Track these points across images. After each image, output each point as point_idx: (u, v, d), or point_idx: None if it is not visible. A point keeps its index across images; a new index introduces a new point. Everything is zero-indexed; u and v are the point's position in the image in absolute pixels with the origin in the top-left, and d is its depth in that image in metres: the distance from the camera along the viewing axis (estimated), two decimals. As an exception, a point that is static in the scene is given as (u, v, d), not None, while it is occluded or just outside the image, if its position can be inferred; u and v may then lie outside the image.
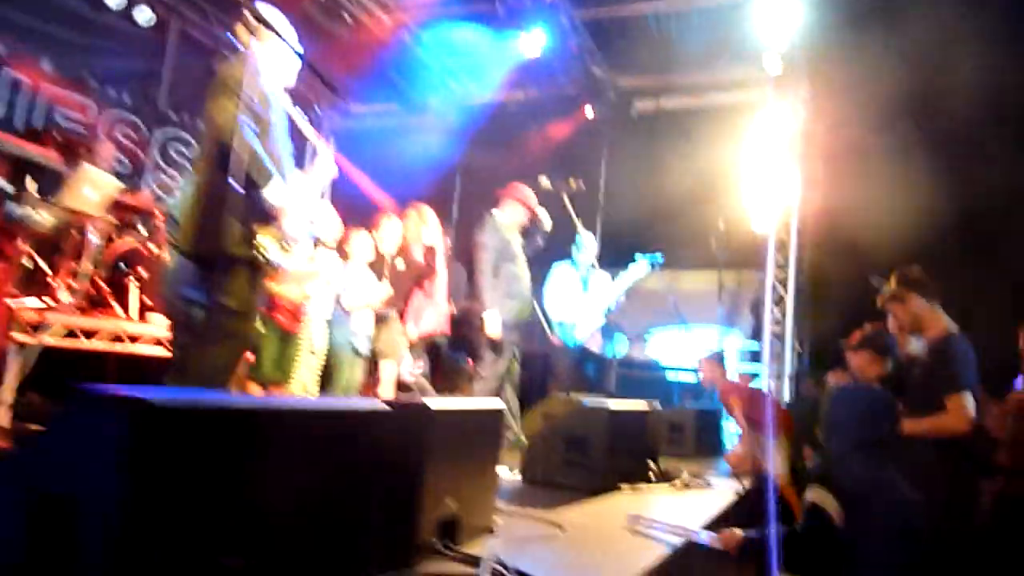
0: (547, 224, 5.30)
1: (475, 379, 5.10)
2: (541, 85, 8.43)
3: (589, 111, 8.22)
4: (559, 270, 6.51)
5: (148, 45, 7.88)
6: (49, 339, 4.25)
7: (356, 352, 5.00)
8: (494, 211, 5.33)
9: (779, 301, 7.55)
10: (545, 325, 5.91)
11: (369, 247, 5.06)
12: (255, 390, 4.33)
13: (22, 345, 4.17)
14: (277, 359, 4.39)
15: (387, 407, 1.81)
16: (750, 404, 4.81)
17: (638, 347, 8.43)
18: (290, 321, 4.43)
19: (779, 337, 7.50)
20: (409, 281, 5.53)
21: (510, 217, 5.29)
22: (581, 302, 6.65)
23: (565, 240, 5.79)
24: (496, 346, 5.03)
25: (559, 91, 8.35)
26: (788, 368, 7.44)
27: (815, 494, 2.62)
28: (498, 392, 5.05)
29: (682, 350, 7.76)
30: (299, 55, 3.25)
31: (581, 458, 3.45)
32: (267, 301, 4.31)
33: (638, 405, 4.07)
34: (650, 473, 3.88)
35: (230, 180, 2.85)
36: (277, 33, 2.91)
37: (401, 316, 5.80)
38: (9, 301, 3.76)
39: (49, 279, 4.19)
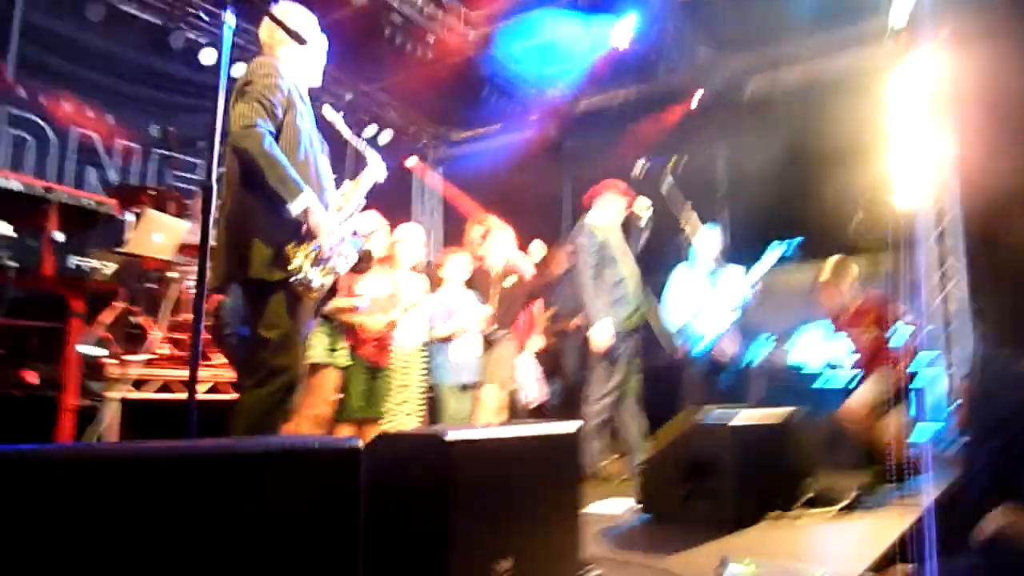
0: (645, 214, 4.70)
1: (586, 400, 4.51)
2: (641, 77, 7.84)
3: (696, 99, 7.52)
4: (678, 271, 5.89)
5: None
6: (135, 394, 4.15)
7: (459, 383, 4.59)
8: (587, 215, 4.82)
9: (942, 278, 6.49)
10: (666, 332, 5.27)
11: (463, 267, 4.68)
12: (345, 431, 4.01)
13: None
14: (366, 395, 4.05)
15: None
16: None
17: (784, 350, 7.54)
18: (376, 353, 4.08)
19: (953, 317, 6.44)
20: (522, 298, 5.09)
21: (605, 216, 4.76)
22: (706, 303, 5.97)
23: (677, 235, 5.17)
24: (608, 359, 4.47)
25: (661, 81, 7.73)
26: (970, 352, 6.34)
27: (1007, 515, 1.90)
28: (615, 412, 4.47)
29: (833, 349, 6.81)
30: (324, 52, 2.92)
31: (705, 486, 2.82)
32: (352, 334, 4.00)
33: (774, 415, 3.39)
34: (803, 497, 3.19)
35: (253, 195, 2.54)
36: (292, 33, 2.56)
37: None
38: (89, 354, 3.65)
39: (145, 329, 4.11)
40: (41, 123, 6.43)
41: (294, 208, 2.50)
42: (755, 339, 6.53)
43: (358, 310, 3.88)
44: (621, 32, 6.75)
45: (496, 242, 4.99)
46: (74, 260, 3.27)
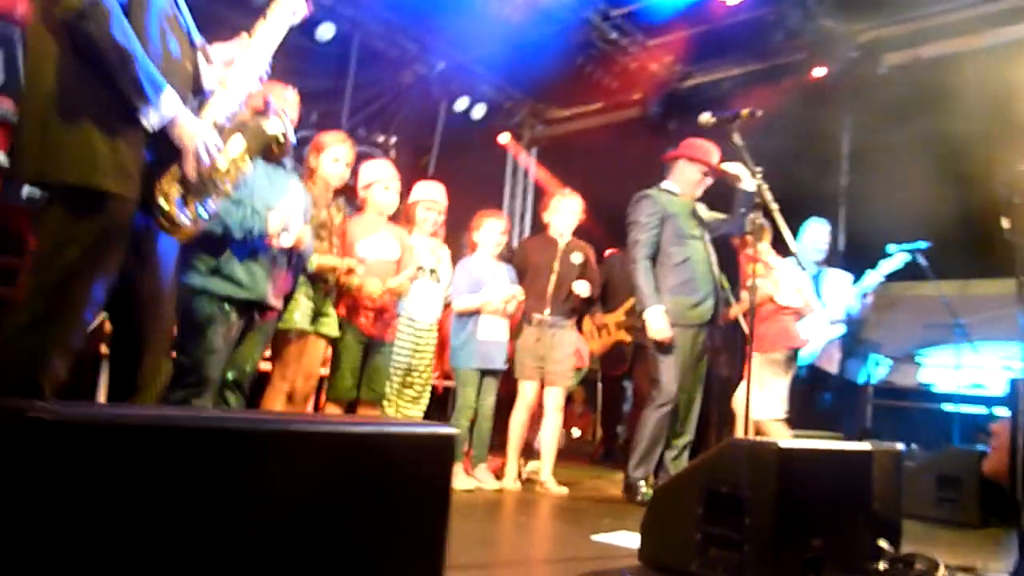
0: (748, 182, 3.72)
1: (650, 403, 3.76)
2: (755, 50, 6.88)
3: (820, 72, 6.48)
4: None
5: (330, 61, 7.70)
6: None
7: (484, 369, 3.96)
8: (661, 184, 4.05)
9: None
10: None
11: (497, 232, 4.03)
12: (332, 411, 3.47)
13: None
14: (362, 373, 3.49)
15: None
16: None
17: (906, 371, 6.40)
18: (375, 325, 3.52)
19: None
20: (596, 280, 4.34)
21: (682, 185, 3.99)
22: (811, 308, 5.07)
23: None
24: (664, 350, 3.73)
25: (781, 54, 6.74)
26: None
27: None
28: (674, 418, 3.75)
29: (967, 375, 5.66)
30: None
31: (729, 531, 2.05)
32: (346, 299, 3.45)
33: (854, 445, 2.54)
34: (876, 562, 2.34)
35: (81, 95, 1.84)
36: None
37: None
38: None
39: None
40: None
41: (152, 117, 1.90)
42: (866, 357, 5.51)
43: (353, 272, 3.31)
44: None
45: (563, 208, 4.26)
46: (27, 190, 2.89)
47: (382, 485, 1.26)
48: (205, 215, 2.09)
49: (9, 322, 1.82)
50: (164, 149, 1.94)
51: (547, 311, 4.05)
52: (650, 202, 3.87)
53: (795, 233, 4.89)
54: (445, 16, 7.21)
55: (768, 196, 3.35)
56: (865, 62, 6.42)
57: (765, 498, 2.02)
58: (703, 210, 4.06)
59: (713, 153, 3.98)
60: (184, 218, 2.00)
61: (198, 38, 2.20)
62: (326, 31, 7.23)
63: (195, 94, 2.15)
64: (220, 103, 2.14)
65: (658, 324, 3.69)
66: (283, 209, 2.75)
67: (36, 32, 1.87)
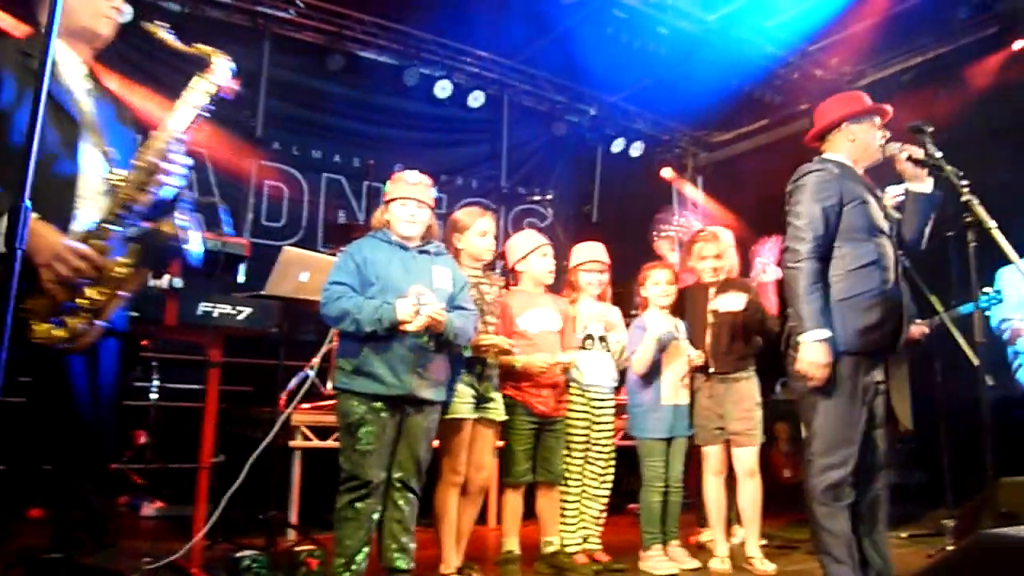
0: (925, 183, 2.82)
1: (808, 465, 2.75)
2: (938, 34, 6.13)
3: (1019, 45, 5.63)
4: (1008, 273, 4.28)
5: (484, 127, 7.85)
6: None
7: (665, 437, 3.66)
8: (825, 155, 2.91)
9: None
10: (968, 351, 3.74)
11: (663, 284, 3.74)
12: (511, 498, 3.32)
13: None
14: (536, 454, 3.33)
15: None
16: None
17: None
18: (547, 402, 3.35)
19: None
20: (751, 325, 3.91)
21: (857, 155, 2.86)
22: None
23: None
24: (835, 394, 2.67)
25: (968, 32, 5.94)
26: None
27: None
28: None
29: None
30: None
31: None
32: (511, 378, 3.33)
33: None
34: None
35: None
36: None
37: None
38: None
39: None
40: (294, 172, 6.81)
41: None
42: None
43: (507, 351, 3.18)
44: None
45: (706, 251, 3.85)
46: (203, 307, 3.05)
47: None
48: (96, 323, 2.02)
49: None
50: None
51: (711, 367, 3.69)
52: (820, 180, 2.72)
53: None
54: (590, 62, 7.12)
55: (982, 212, 2.70)
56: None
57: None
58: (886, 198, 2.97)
59: (886, 109, 2.92)
60: (60, 331, 1.95)
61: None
62: (476, 99, 7.40)
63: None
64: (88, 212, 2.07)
65: (814, 355, 2.61)
66: (413, 294, 2.68)
67: None
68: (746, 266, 4.02)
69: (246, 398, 4.92)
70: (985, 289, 4.05)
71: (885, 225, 2.82)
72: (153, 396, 5.07)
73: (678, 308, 3.82)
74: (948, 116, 5.43)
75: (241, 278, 4.34)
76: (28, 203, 1.30)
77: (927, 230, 2.88)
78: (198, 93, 2.17)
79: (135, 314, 2.87)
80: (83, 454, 2.17)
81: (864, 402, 2.70)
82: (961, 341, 3.95)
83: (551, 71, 7.66)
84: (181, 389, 5.17)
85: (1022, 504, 3.39)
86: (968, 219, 2.74)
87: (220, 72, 2.21)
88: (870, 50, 6.56)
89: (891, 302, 2.74)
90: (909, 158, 2.79)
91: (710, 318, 3.73)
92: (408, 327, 2.64)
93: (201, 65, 2.25)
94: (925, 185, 2.83)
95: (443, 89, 7.22)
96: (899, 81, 6.56)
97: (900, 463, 4.62)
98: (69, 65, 2.20)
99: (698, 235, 3.99)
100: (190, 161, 2.16)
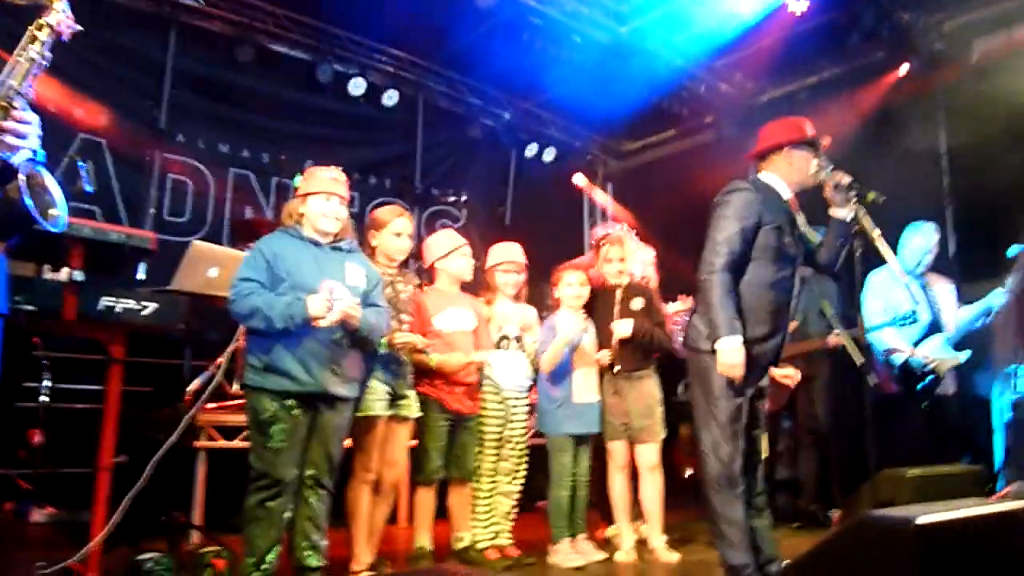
0: (845, 210, 3.02)
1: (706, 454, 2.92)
2: (832, 56, 6.53)
3: (904, 69, 6.07)
4: (878, 277, 4.66)
5: (398, 127, 7.81)
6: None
7: (575, 434, 3.75)
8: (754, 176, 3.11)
9: None
10: (863, 355, 4.00)
11: (576, 286, 3.84)
12: (424, 495, 3.34)
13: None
14: (449, 451, 3.37)
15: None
16: None
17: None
18: (461, 400, 3.40)
19: None
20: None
21: (789, 179, 3.04)
22: (927, 322, 4.66)
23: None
24: (734, 390, 2.85)
25: (859, 56, 6.36)
26: None
27: None
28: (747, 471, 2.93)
29: None
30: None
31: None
32: (426, 377, 3.35)
33: (1010, 505, 2.21)
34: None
35: None
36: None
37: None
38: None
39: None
40: (200, 166, 6.58)
41: None
42: (998, 368, 4.97)
43: (429, 348, 3.21)
44: (795, -1, 5.57)
45: (611, 255, 3.99)
46: (105, 301, 2.94)
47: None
48: None
49: None
50: None
51: (617, 365, 3.81)
52: (745, 198, 2.91)
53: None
54: (505, 66, 7.21)
55: (868, 223, 2.93)
56: (952, 52, 5.97)
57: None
58: (803, 223, 3.14)
59: (814, 134, 3.11)
60: None
61: None
62: (390, 98, 7.36)
63: None
64: None
65: (730, 356, 2.78)
66: (326, 289, 2.66)
67: None
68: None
69: (145, 399, 4.73)
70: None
71: (793, 251, 3.02)
72: (43, 398, 4.80)
73: (586, 309, 3.94)
74: (839, 133, 5.79)
75: (141, 275, 4.18)
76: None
77: (842, 252, 3.10)
78: (36, 43, 1.89)
79: (31, 307, 2.76)
80: None
81: (747, 405, 2.92)
82: (848, 343, 4.22)
83: (467, 73, 7.71)
84: (73, 390, 4.92)
85: (902, 494, 3.66)
86: (855, 228, 2.95)
87: (57, 14, 1.92)
88: (770, 68, 6.90)
89: (779, 320, 2.98)
90: (837, 186, 2.99)
91: (616, 316, 3.85)
92: (321, 323, 2.62)
93: (39, 10, 1.94)
94: (846, 212, 3.03)
95: (357, 87, 7.13)
96: (796, 98, 6.94)
97: (792, 459, 4.89)
98: None
99: (604, 238, 4.12)
100: (35, 118, 1.88)
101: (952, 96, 5.91)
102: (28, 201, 1.81)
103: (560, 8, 6.25)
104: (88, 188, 3.32)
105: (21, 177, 1.81)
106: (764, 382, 3.05)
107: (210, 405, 3.93)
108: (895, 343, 4.64)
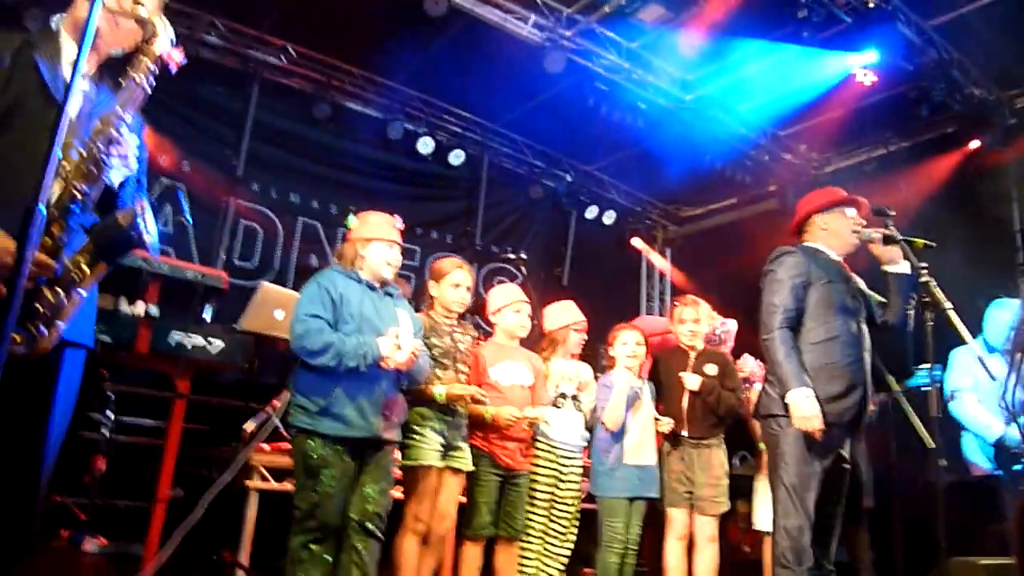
0: (902, 264, 3.00)
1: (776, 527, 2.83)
2: (900, 129, 6.48)
3: (975, 144, 5.98)
4: (962, 353, 4.32)
5: (462, 185, 8.00)
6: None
7: (631, 496, 3.66)
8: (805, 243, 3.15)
9: None
10: (923, 433, 3.83)
11: (632, 345, 3.80)
12: (470, 551, 3.29)
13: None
14: (498, 508, 3.32)
15: None
16: None
17: None
18: (513, 456, 3.36)
19: None
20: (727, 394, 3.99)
21: (831, 243, 3.06)
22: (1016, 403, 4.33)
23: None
24: (808, 454, 2.77)
25: (928, 130, 6.30)
26: None
27: None
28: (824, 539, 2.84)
29: None
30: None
31: None
32: (480, 429, 3.33)
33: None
34: None
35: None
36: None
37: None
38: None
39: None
40: (270, 215, 6.83)
41: None
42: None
43: (480, 400, 3.20)
44: (863, 71, 5.56)
45: (687, 316, 3.97)
46: (176, 336, 3.04)
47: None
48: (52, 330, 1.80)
49: None
50: None
51: (684, 430, 3.74)
52: (793, 263, 2.96)
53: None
54: (569, 129, 7.36)
55: (939, 294, 2.85)
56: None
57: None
58: (861, 283, 3.14)
59: (863, 203, 3.14)
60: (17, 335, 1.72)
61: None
62: (456, 157, 7.56)
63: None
64: None
65: (805, 409, 2.72)
66: (392, 333, 2.70)
67: None
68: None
69: (201, 437, 4.82)
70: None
71: (851, 303, 2.98)
72: (104, 431, 4.93)
73: (654, 372, 3.91)
74: (907, 206, 5.70)
75: (207, 316, 4.30)
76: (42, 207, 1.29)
77: (911, 311, 3.02)
78: (141, 69, 1.93)
79: (106, 339, 2.86)
80: (20, 468, 1.89)
81: (822, 473, 2.79)
82: (916, 422, 4.05)
83: (531, 136, 7.89)
84: (132, 424, 5.05)
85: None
86: (925, 299, 2.87)
87: (162, 43, 1.94)
88: (837, 139, 6.89)
89: (854, 375, 2.88)
90: (885, 238, 2.95)
91: (685, 380, 3.79)
92: (390, 363, 2.66)
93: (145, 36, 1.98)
94: (901, 266, 3.00)
95: (425, 145, 7.37)
96: (863, 170, 6.87)
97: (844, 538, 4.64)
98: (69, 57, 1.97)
99: (679, 299, 4.11)
100: (136, 140, 1.95)
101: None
102: (142, 225, 1.85)
103: (627, 75, 6.36)
104: (188, 219, 3.44)
105: (140, 206, 1.87)
106: (845, 453, 2.91)
107: (264, 447, 3.99)
108: (986, 419, 4.21)
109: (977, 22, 5.39)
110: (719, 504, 3.70)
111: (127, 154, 1.89)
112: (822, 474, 2.79)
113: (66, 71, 1.92)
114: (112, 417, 4.94)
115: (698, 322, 3.93)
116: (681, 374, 3.80)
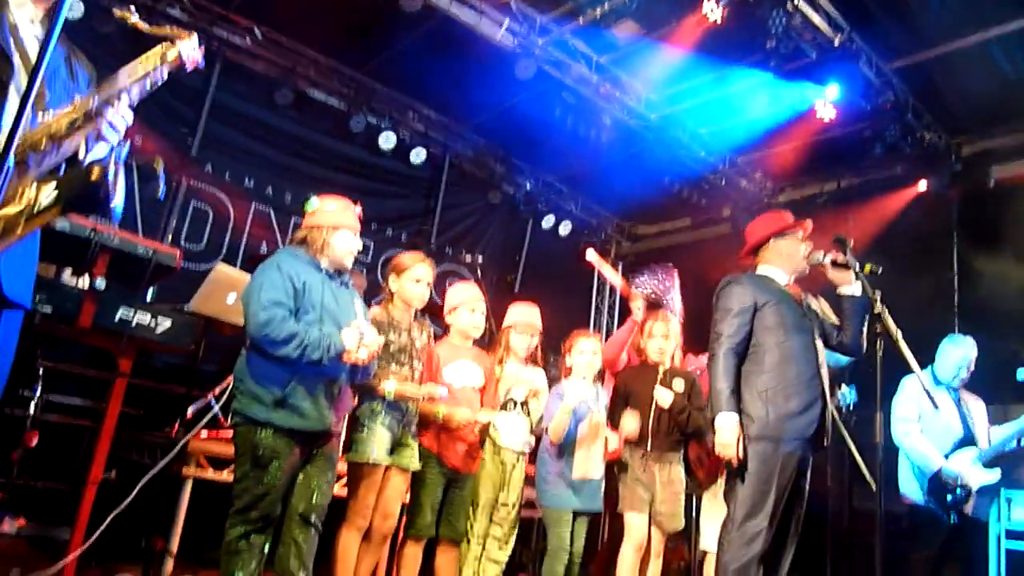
0: (853, 286, 3.09)
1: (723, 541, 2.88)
2: (853, 165, 6.68)
3: (923, 186, 6.21)
4: (909, 384, 4.40)
5: (422, 184, 7.94)
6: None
7: (575, 509, 3.64)
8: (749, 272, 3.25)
9: None
10: (864, 470, 3.96)
11: (588, 354, 3.79)
12: (411, 550, 3.24)
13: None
14: (442, 509, 3.28)
15: None
16: None
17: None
18: (462, 458, 3.32)
19: None
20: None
21: (783, 266, 3.16)
22: (953, 440, 4.40)
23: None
24: (769, 465, 2.81)
25: (879, 168, 6.51)
26: None
27: None
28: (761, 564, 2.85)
29: None
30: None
31: None
32: (431, 429, 3.29)
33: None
34: None
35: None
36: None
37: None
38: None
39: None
40: (223, 197, 6.65)
41: None
42: (997, 493, 4.85)
43: (434, 399, 3.15)
44: (824, 104, 5.72)
45: (657, 331, 3.94)
46: (122, 312, 2.92)
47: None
48: None
49: None
50: None
51: (648, 444, 3.73)
52: (741, 290, 3.05)
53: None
54: (533, 138, 7.37)
55: (891, 324, 2.93)
56: (969, 174, 6.12)
57: None
58: (815, 302, 3.22)
59: (808, 224, 3.24)
60: None
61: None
62: (418, 155, 7.48)
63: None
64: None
65: (727, 434, 2.82)
66: (355, 325, 2.64)
67: None
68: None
69: (133, 421, 4.65)
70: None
71: (804, 323, 3.07)
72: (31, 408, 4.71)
73: (623, 385, 3.90)
74: (857, 240, 5.87)
75: (149, 295, 4.14)
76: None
77: (864, 333, 3.11)
78: (158, 58, 1.91)
79: (46, 309, 2.73)
80: None
81: (778, 492, 2.82)
82: (854, 451, 4.15)
83: (495, 140, 7.87)
84: (60, 403, 4.83)
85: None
86: (878, 329, 2.95)
87: (187, 47, 1.94)
88: (792, 170, 7.05)
89: (811, 391, 2.96)
90: (834, 262, 3.04)
91: (658, 396, 3.78)
92: (352, 356, 2.60)
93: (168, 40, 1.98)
94: (854, 288, 3.09)
95: (387, 140, 7.28)
96: (815, 202, 7.06)
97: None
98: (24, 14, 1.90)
99: (652, 314, 4.11)
100: (131, 117, 1.89)
101: (967, 216, 6.03)
102: (111, 185, 1.78)
103: (595, 89, 6.40)
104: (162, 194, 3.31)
105: (113, 164, 1.78)
106: (803, 475, 2.96)
107: (202, 434, 3.86)
108: (927, 450, 4.32)
109: (933, 70, 5.61)
110: (676, 520, 3.70)
111: (120, 131, 1.86)
112: (778, 492, 2.82)
113: (13, 19, 1.85)
114: (38, 394, 4.75)
115: (667, 337, 3.93)
116: (656, 389, 3.76)
